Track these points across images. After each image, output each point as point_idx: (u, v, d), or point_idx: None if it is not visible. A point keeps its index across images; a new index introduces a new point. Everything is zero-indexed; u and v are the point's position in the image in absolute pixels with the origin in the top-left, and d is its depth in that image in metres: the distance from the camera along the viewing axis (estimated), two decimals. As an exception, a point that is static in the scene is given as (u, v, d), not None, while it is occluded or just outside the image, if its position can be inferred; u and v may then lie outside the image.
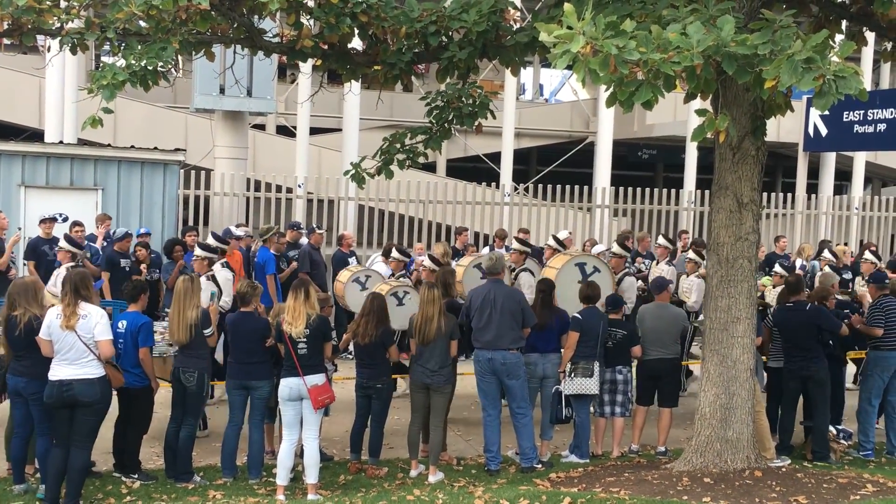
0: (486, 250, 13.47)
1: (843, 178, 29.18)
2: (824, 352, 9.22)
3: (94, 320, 7.16)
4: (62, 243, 10.74)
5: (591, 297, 9.13)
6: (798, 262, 14.53)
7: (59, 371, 7.12)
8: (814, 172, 25.64)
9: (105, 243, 12.38)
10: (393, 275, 11.58)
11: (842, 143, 19.55)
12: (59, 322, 7.10)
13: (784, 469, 8.26)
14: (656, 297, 9.56)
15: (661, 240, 12.69)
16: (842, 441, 9.26)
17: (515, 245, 11.30)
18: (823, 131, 19.59)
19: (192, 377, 7.99)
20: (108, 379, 7.28)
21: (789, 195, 20.11)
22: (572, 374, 8.85)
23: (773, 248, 15.25)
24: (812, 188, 24.78)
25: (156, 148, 15.01)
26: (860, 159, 26.21)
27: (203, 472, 8.22)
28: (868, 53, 24.13)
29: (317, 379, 7.73)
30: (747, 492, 7.36)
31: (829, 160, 25.64)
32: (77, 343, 7.09)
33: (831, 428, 9.29)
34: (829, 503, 7.09)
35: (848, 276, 13.65)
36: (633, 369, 9.42)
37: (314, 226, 14.54)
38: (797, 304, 9.33)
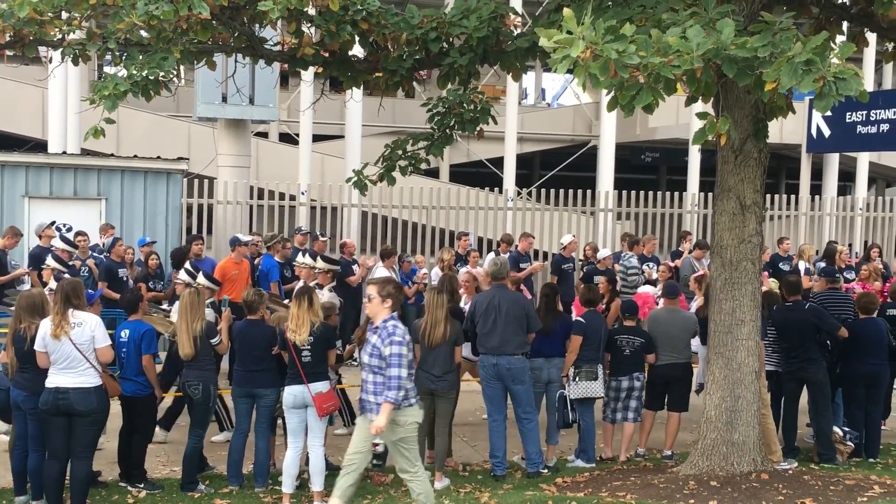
0: (490, 256, 13.45)
1: (847, 179, 29.12)
2: (823, 354, 9.21)
3: (91, 328, 7.14)
4: (49, 261, 10.49)
5: (592, 300, 9.16)
6: (801, 265, 14.50)
7: (55, 379, 7.10)
8: (817, 174, 25.59)
9: (107, 254, 12.40)
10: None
11: (845, 144, 19.44)
12: (51, 332, 7.07)
13: (790, 471, 8.24)
14: (667, 302, 9.54)
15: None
16: (848, 442, 9.23)
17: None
18: (826, 132, 19.51)
19: (197, 390, 8.02)
20: (104, 388, 7.25)
21: (793, 197, 20.05)
22: (577, 378, 8.85)
23: (777, 250, 15.22)
24: (816, 189, 24.73)
25: (159, 157, 15.05)
26: (864, 160, 26.16)
27: (209, 481, 8.21)
28: (870, 54, 24.10)
29: (321, 386, 7.73)
30: (754, 495, 7.34)
31: (833, 161, 25.59)
32: (73, 352, 7.06)
33: (836, 429, 9.27)
34: (836, 505, 7.08)
35: (851, 276, 13.68)
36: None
37: (318, 233, 14.53)
38: (796, 303, 9.30)
